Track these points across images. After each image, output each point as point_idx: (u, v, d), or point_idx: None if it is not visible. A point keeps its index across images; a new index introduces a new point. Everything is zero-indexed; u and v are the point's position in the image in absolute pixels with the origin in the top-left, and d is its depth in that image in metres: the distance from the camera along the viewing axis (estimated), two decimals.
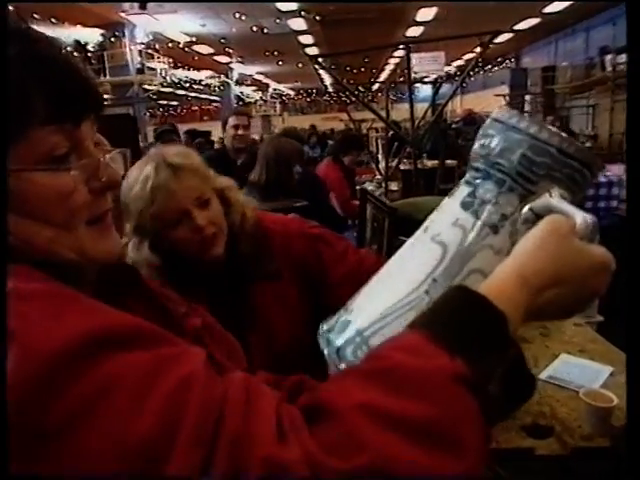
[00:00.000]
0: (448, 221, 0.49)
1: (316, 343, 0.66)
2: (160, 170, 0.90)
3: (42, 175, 0.42)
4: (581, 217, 0.44)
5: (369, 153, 4.69)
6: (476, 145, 0.50)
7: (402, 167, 3.35)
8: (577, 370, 1.29)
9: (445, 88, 5.44)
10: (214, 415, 0.34)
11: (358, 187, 2.94)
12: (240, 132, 2.57)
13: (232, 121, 2.57)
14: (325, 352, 0.51)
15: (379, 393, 0.35)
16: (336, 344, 0.50)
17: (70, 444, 0.32)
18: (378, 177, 4.37)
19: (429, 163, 3.59)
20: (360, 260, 1.08)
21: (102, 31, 10.21)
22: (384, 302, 0.49)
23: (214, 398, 0.35)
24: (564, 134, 0.46)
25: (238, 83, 17.17)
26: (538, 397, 1.18)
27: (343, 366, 0.48)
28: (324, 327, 0.54)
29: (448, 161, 3.53)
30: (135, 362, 0.35)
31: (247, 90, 19.63)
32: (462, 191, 0.50)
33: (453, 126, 5.21)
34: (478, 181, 0.49)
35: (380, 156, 4.94)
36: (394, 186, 3.83)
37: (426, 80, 4.54)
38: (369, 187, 3.08)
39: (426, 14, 9.07)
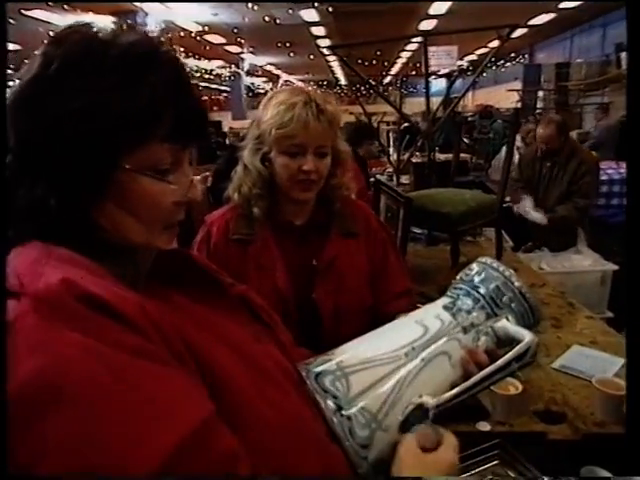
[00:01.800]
0: (432, 314, 0.66)
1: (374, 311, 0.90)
2: (308, 105, 0.99)
3: (148, 180, 0.50)
4: (529, 336, 0.61)
5: (380, 146, 4.69)
6: (459, 275, 0.71)
7: (414, 160, 3.35)
8: (589, 360, 1.31)
9: (457, 83, 5.41)
10: None
11: (372, 179, 2.95)
12: None
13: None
14: (304, 375, 0.60)
15: None
16: (315, 371, 0.60)
17: None
18: (389, 170, 4.36)
19: (442, 156, 3.58)
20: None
21: (114, 19, 10.17)
22: (366, 353, 0.61)
23: None
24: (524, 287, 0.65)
25: (249, 74, 17.12)
26: (550, 385, 1.21)
27: (319, 390, 0.58)
28: (305, 362, 0.63)
29: (462, 154, 3.53)
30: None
31: (257, 81, 19.57)
32: (444, 299, 0.68)
33: (469, 119, 5.19)
34: (460, 295, 0.67)
35: (391, 149, 4.93)
36: (405, 179, 3.83)
37: (440, 73, 4.52)
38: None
39: (440, 7, 8.98)
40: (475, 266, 0.70)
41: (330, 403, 0.56)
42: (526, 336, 0.62)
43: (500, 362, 0.61)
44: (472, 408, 1.06)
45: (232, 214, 1.10)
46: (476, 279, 0.67)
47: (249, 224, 1.07)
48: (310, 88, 1.05)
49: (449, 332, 0.63)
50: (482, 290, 0.66)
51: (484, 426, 1.04)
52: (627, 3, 0.68)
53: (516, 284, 0.65)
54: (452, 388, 0.60)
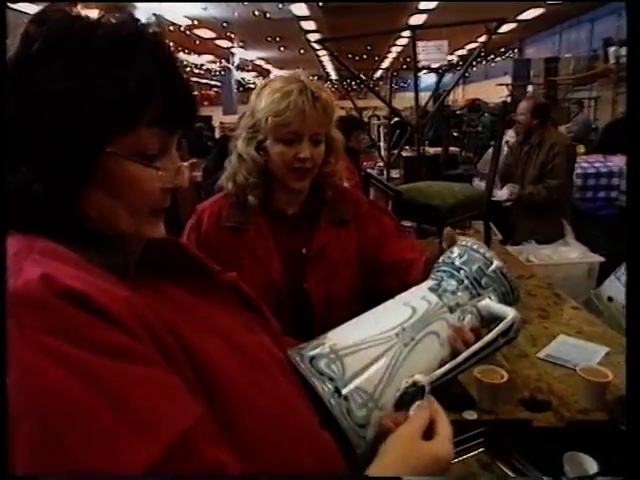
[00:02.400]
0: (418, 296, 0.68)
1: (365, 299, 0.88)
2: (304, 93, 0.99)
3: (135, 166, 0.48)
4: (512, 312, 0.64)
5: (371, 140, 4.70)
6: (442, 258, 0.73)
7: (404, 154, 3.36)
8: (574, 350, 1.33)
9: (447, 77, 5.42)
10: None
11: (362, 173, 2.96)
12: None
13: None
14: (297, 360, 0.60)
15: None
16: (308, 355, 0.60)
17: None
18: (380, 164, 4.38)
19: (431, 150, 3.60)
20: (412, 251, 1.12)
21: (101, 12, 10.04)
22: (358, 335, 0.62)
23: None
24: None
25: (239, 68, 17.01)
26: (536, 374, 1.22)
27: (314, 374, 0.58)
28: (297, 347, 0.63)
29: (451, 148, 3.55)
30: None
31: (248, 76, 19.46)
32: (429, 282, 0.70)
33: (457, 112, 5.21)
34: (444, 277, 0.70)
35: (382, 144, 4.94)
36: (395, 173, 3.85)
37: (433, 67, 4.53)
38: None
39: (429, 2, 8.98)
40: (457, 249, 0.72)
41: (327, 385, 0.57)
42: (509, 313, 0.64)
43: (487, 338, 0.63)
44: (459, 397, 1.08)
45: (224, 202, 1.10)
46: (458, 261, 0.70)
47: (243, 212, 1.07)
48: (303, 76, 1.04)
49: (436, 312, 0.65)
50: (465, 271, 0.68)
51: (470, 414, 1.05)
52: (627, 3, 0.68)
53: (497, 264, 0.68)
54: (442, 365, 0.61)
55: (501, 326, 0.63)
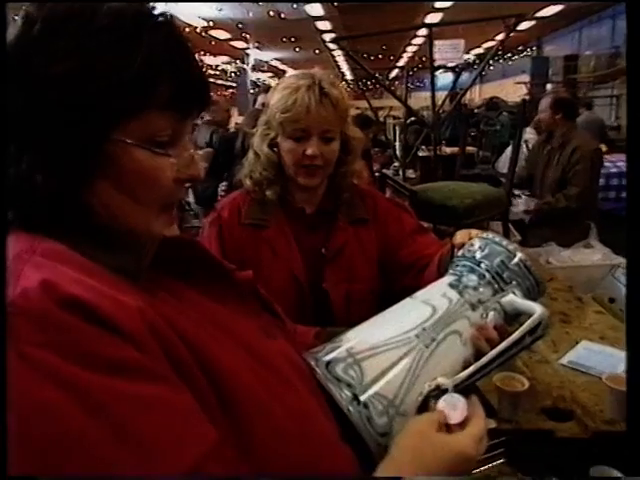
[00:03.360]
0: (438, 293, 0.64)
1: (383, 297, 0.86)
2: (311, 89, 0.97)
3: (144, 153, 0.44)
4: (540, 309, 0.60)
5: (386, 140, 4.66)
6: (461, 252, 0.69)
7: (420, 154, 3.32)
8: (598, 356, 1.28)
9: (463, 76, 5.34)
10: None
11: (377, 173, 2.92)
12: None
13: (261, 99, 2.59)
14: (313, 365, 0.57)
15: None
16: (325, 360, 0.58)
17: None
18: (395, 164, 4.34)
19: (448, 150, 3.54)
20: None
21: None
22: (376, 337, 0.59)
23: None
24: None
25: (254, 69, 17.07)
26: (558, 381, 1.18)
27: (331, 379, 0.56)
28: (312, 351, 0.61)
29: (468, 147, 3.49)
30: None
31: (263, 76, 19.53)
32: (449, 277, 0.67)
33: (475, 111, 5.13)
34: (465, 271, 0.66)
35: (397, 144, 4.89)
36: (411, 173, 3.81)
37: (447, 66, 4.48)
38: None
39: (445, 1, 8.88)
40: (477, 242, 0.68)
41: (345, 392, 0.54)
42: (537, 309, 0.60)
43: (514, 337, 0.59)
44: None
45: (243, 198, 1.09)
46: (479, 255, 0.66)
47: (262, 209, 1.06)
48: (318, 71, 1.02)
49: (458, 310, 0.62)
50: (487, 265, 0.65)
51: (490, 423, 1.01)
52: (627, 3, 0.66)
53: (520, 257, 0.64)
54: (464, 366, 0.58)
55: (529, 323, 0.59)
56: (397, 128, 5.35)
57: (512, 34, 2.31)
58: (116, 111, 0.43)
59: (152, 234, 0.49)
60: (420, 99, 7.85)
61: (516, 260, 0.64)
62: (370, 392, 0.54)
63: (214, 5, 9.01)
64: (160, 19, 0.46)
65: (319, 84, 0.98)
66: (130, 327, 0.38)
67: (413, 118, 4.13)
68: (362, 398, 0.54)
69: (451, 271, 0.69)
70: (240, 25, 10.21)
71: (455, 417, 0.52)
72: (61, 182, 0.43)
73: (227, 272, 0.59)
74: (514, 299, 0.63)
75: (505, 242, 0.66)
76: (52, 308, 0.37)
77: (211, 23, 10.27)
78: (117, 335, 0.37)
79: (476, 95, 14.78)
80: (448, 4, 9.01)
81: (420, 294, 0.66)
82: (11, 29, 0.44)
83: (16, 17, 0.45)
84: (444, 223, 2.28)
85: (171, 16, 0.47)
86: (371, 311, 0.68)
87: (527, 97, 8.43)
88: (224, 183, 2.44)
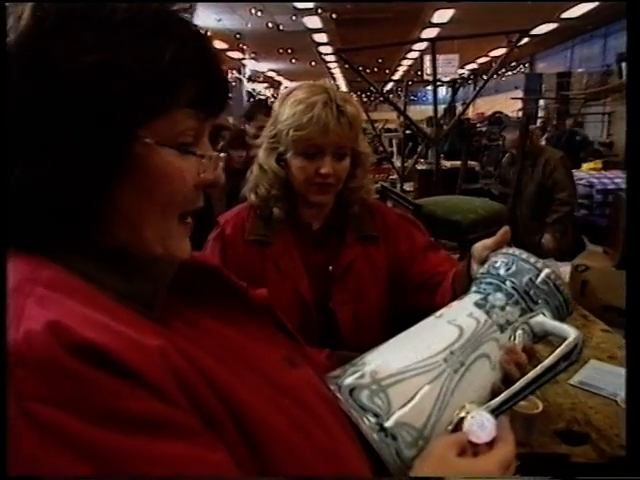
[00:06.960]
0: (464, 313, 0.60)
1: (394, 318, 0.81)
2: (328, 106, 0.93)
3: (171, 153, 0.41)
4: (574, 332, 0.57)
5: (384, 152, 4.66)
6: (484, 268, 0.66)
7: (419, 167, 3.31)
8: (608, 376, 1.26)
9: (460, 92, 5.38)
10: None
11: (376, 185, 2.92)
12: None
13: None
14: (334, 390, 0.54)
15: None
16: (347, 385, 0.54)
17: None
18: (392, 177, 4.33)
19: (447, 163, 3.55)
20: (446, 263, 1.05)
21: None
22: (401, 361, 0.55)
23: None
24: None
25: (250, 80, 17.15)
26: (570, 403, 1.15)
27: (356, 408, 0.52)
28: (332, 374, 0.57)
29: (470, 162, 3.50)
30: None
31: (259, 87, 19.61)
32: (474, 296, 0.63)
33: (478, 126, 5.17)
34: (490, 290, 0.62)
35: (394, 156, 4.90)
36: (408, 186, 3.80)
37: (444, 80, 4.50)
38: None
39: (442, 16, 9.00)
40: (502, 258, 0.64)
41: (372, 422, 0.51)
42: (571, 333, 0.57)
43: (547, 362, 0.56)
44: None
45: (247, 213, 1.05)
46: (503, 271, 0.62)
47: (267, 225, 1.02)
48: (329, 85, 0.98)
49: (486, 332, 0.58)
50: (513, 284, 0.61)
51: None
52: (627, 3, 0.66)
53: (549, 274, 0.60)
54: (493, 391, 0.55)
55: (563, 348, 0.56)
56: (394, 141, 5.37)
57: (507, 49, 2.32)
58: (145, 108, 0.39)
59: (170, 249, 0.44)
60: (415, 112, 7.91)
61: (544, 277, 0.60)
62: (398, 422, 0.51)
63: (213, 15, 9.05)
64: (183, 14, 0.43)
65: (335, 101, 0.93)
66: (153, 375, 0.34)
67: (409, 131, 4.14)
68: (390, 429, 0.51)
69: (474, 289, 0.65)
70: (238, 36, 10.25)
71: (482, 437, 0.49)
72: (78, 192, 0.38)
73: (241, 291, 0.54)
74: (545, 321, 0.60)
75: (533, 259, 0.62)
76: (61, 356, 0.31)
77: (209, 33, 10.31)
78: (139, 385, 0.33)
79: (470, 109, 14.94)
80: (446, 18, 9.13)
81: (443, 313, 0.62)
82: (13, 27, 0.38)
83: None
84: (447, 238, 2.27)
85: (191, 13, 0.45)
86: (379, 331, 0.65)
87: (520, 113, 8.52)
88: None
